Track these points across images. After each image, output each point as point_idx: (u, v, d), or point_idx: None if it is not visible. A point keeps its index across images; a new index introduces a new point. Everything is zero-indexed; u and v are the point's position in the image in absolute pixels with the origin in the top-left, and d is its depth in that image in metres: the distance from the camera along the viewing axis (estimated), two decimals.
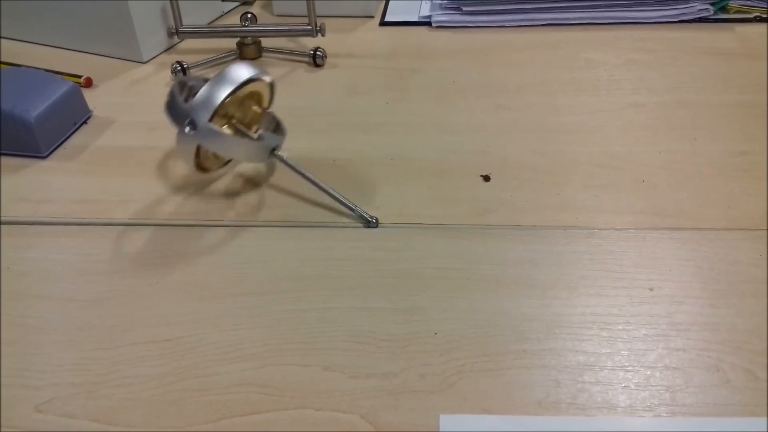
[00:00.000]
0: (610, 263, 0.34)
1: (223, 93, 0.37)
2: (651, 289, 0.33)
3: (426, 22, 0.61)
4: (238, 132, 0.42)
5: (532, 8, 0.59)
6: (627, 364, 0.29)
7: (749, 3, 0.58)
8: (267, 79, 0.40)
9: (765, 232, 0.36)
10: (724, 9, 0.58)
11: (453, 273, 0.34)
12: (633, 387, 0.28)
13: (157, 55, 0.58)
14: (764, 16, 0.57)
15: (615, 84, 0.50)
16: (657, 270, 0.34)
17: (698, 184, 0.39)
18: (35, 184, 0.43)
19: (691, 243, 0.35)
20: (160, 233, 0.38)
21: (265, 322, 0.32)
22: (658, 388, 0.28)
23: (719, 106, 0.46)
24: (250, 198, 0.41)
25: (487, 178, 0.41)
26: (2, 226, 0.39)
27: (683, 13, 0.58)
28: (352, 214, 0.38)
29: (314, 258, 0.36)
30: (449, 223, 0.38)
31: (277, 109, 0.49)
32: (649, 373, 0.28)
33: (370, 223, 0.38)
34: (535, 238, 0.36)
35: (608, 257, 0.35)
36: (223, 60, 0.56)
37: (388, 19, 0.63)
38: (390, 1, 0.65)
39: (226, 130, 0.41)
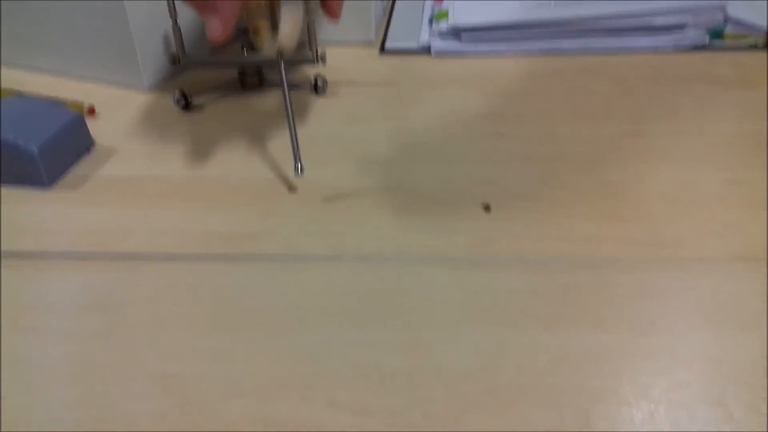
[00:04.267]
0: (612, 294, 0.35)
1: None
2: (653, 322, 0.33)
3: (426, 50, 0.62)
4: None
5: (529, 36, 0.60)
6: (631, 399, 0.29)
7: (744, 31, 0.59)
8: None
9: (766, 262, 0.36)
10: (719, 37, 0.59)
11: (455, 305, 0.34)
12: (638, 423, 0.28)
13: (159, 83, 0.58)
14: (760, 44, 0.58)
15: (613, 112, 0.50)
16: (659, 301, 0.34)
17: (698, 214, 0.40)
18: (38, 215, 0.43)
19: (692, 273, 0.36)
20: (162, 265, 0.38)
21: (268, 356, 0.32)
22: (663, 423, 0.28)
23: (717, 135, 0.47)
24: (251, 228, 0.41)
25: (487, 208, 0.42)
26: (3, 258, 0.40)
27: (679, 41, 0.58)
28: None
29: (315, 290, 0.36)
30: (451, 253, 0.38)
31: (279, 137, 0.49)
32: (653, 407, 0.29)
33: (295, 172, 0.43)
34: (537, 268, 0.37)
35: (610, 288, 0.35)
36: (224, 89, 0.56)
37: (387, 46, 0.63)
38: (390, 29, 0.66)
39: None
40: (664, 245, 0.38)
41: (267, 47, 0.50)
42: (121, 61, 0.56)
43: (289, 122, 0.44)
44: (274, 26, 0.49)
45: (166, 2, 0.54)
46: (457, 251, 0.38)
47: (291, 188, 0.44)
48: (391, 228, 0.40)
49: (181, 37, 0.56)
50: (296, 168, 0.43)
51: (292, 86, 0.57)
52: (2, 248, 0.40)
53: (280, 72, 0.47)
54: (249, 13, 0.49)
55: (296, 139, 0.44)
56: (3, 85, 0.57)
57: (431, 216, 0.41)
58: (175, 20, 0.55)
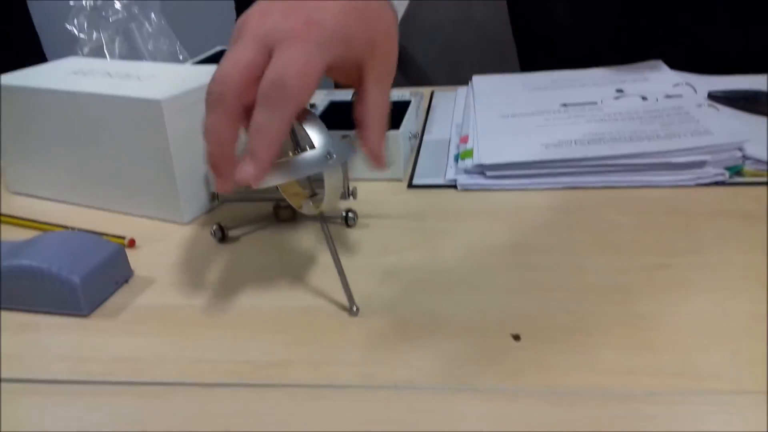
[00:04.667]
0: (649, 427, 0.34)
1: None
2: None
3: (452, 185, 0.64)
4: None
5: (552, 173, 0.62)
6: None
7: (763, 168, 0.60)
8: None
9: None
10: (739, 173, 0.61)
11: None
12: None
13: (198, 217, 0.61)
14: None
15: (638, 245, 0.51)
16: None
17: (731, 346, 0.39)
18: (75, 342, 0.44)
19: (728, 406, 0.35)
20: (194, 393, 0.39)
21: None
22: None
23: (744, 267, 0.47)
24: (282, 356, 0.41)
25: (517, 338, 0.42)
26: (41, 384, 0.40)
27: (699, 178, 0.60)
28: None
29: (345, 421, 0.36)
30: (481, 384, 0.38)
31: (311, 268, 0.51)
32: None
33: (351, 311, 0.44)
34: (569, 400, 0.36)
35: (647, 422, 0.34)
36: (259, 222, 0.59)
37: (415, 182, 0.66)
38: (417, 166, 0.69)
39: None
40: (699, 378, 0.37)
41: (304, 209, 0.51)
42: (163, 198, 0.59)
43: (338, 269, 0.46)
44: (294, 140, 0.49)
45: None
46: (489, 381, 0.38)
47: (333, 317, 0.45)
48: (421, 357, 0.40)
49: None
50: (352, 308, 0.45)
51: (325, 219, 0.60)
52: (39, 375, 0.41)
53: (324, 229, 0.49)
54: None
55: (347, 283, 0.46)
56: (51, 219, 0.60)
57: (461, 345, 0.41)
58: None
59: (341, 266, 0.46)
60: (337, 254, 0.46)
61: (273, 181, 0.43)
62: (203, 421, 0.36)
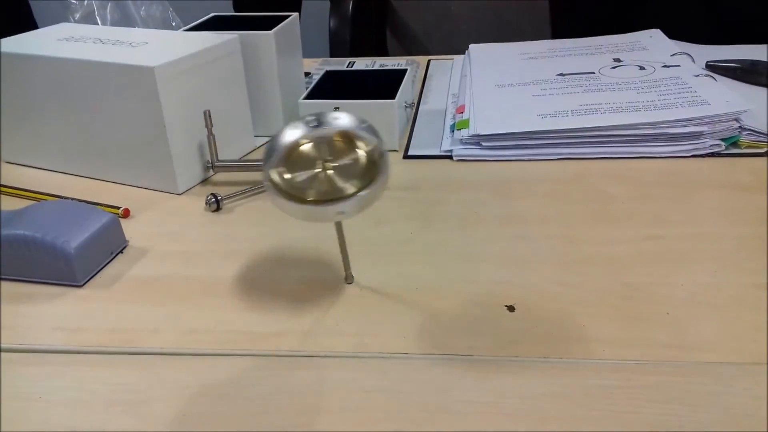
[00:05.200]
0: (641, 398, 0.34)
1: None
2: (681, 426, 0.32)
3: (448, 156, 0.64)
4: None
5: (548, 143, 0.62)
6: None
7: (760, 138, 0.60)
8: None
9: None
10: (735, 144, 0.60)
11: (481, 406, 0.34)
12: None
13: (192, 187, 0.60)
14: None
15: (633, 216, 0.51)
16: (688, 405, 0.34)
17: (722, 318, 0.40)
18: (70, 312, 0.44)
19: (719, 377, 0.35)
20: (188, 363, 0.39)
21: None
22: None
23: (737, 239, 0.47)
24: (276, 327, 0.42)
25: (511, 309, 0.42)
26: (36, 354, 0.40)
27: (695, 149, 0.60)
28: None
29: (340, 389, 0.36)
30: (476, 354, 0.38)
31: (306, 239, 0.50)
32: None
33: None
34: (562, 370, 0.36)
35: (638, 391, 0.35)
36: (254, 192, 0.58)
37: (411, 153, 0.66)
38: (412, 137, 0.69)
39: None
40: (690, 348, 0.38)
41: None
42: (157, 167, 0.58)
43: (340, 239, 0.44)
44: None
45: (203, 113, 0.57)
46: (483, 351, 0.38)
47: (326, 287, 0.45)
48: (417, 327, 0.41)
49: (216, 145, 0.59)
50: (348, 278, 0.45)
51: None
52: (34, 345, 0.41)
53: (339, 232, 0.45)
54: None
55: (347, 253, 0.45)
56: (45, 189, 0.60)
57: (455, 316, 0.41)
58: (210, 129, 0.58)
59: (344, 237, 0.45)
60: (341, 224, 0.44)
61: None
62: (198, 390, 0.37)
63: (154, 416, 0.35)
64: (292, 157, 0.40)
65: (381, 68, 0.85)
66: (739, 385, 0.35)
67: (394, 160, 0.65)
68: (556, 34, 1.09)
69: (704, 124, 0.60)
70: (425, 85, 0.82)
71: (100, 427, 0.35)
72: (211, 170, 0.61)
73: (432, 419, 0.34)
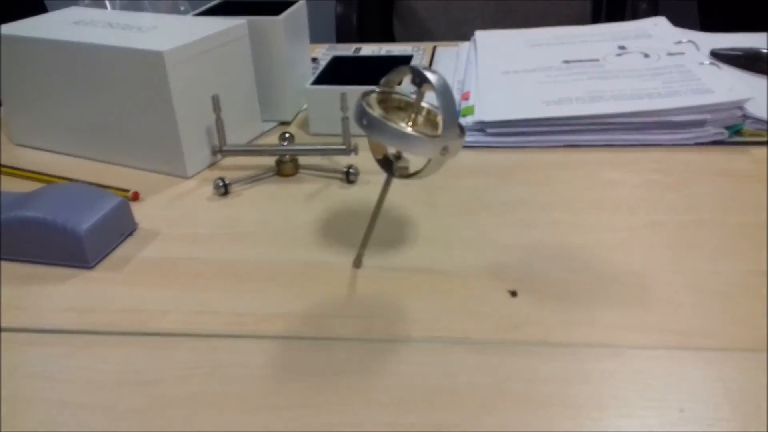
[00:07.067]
0: (640, 383, 0.35)
1: None
2: (681, 411, 0.33)
3: None
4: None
5: (552, 131, 0.63)
6: None
7: (763, 127, 0.61)
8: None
9: None
10: (738, 133, 0.61)
11: (484, 390, 0.35)
12: None
13: (201, 171, 0.61)
14: None
15: (635, 203, 0.52)
16: (686, 391, 0.34)
17: (722, 304, 0.40)
18: (81, 294, 0.45)
19: (718, 364, 0.36)
20: (197, 344, 0.40)
21: None
22: None
23: (738, 226, 0.48)
24: (283, 309, 0.42)
25: (514, 294, 0.43)
26: (47, 334, 0.41)
27: (698, 137, 0.60)
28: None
29: (344, 372, 0.37)
30: (479, 337, 0.39)
31: (312, 223, 0.51)
32: None
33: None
34: (564, 355, 0.37)
35: (637, 376, 0.35)
36: (261, 177, 0.59)
37: None
38: None
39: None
40: (690, 334, 0.38)
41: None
42: (166, 151, 0.59)
43: (371, 222, 0.45)
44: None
45: (211, 98, 0.57)
46: (485, 335, 0.39)
47: (333, 270, 0.46)
48: (421, 311, 0.41)
49: (224, 129, 0.59)
50: (359, 262, 0.46)
51: (327, 172, 0.60)
52: (45, 325, 0.42)
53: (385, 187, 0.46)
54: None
55: (369, 237, 0.46)
56: (55, 172, 0.61)
57: (458, 300, 0.42)
58: (219, 114, 0.58)
59: (375, 221, 0.46)
60: (380, 206, 0.45)
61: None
62: (206, 371, 0.38)
63: (164, 396, 0.36)
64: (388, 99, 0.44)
65: (387, 54, 0.85)
66: (739, 372, 0.35)
67: None
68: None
69: (708, 112, 0.60)
70: None
71: (111, 405, 0.35)
72: (219, 155, 0.61)
73: (435, 402, 0.34)
